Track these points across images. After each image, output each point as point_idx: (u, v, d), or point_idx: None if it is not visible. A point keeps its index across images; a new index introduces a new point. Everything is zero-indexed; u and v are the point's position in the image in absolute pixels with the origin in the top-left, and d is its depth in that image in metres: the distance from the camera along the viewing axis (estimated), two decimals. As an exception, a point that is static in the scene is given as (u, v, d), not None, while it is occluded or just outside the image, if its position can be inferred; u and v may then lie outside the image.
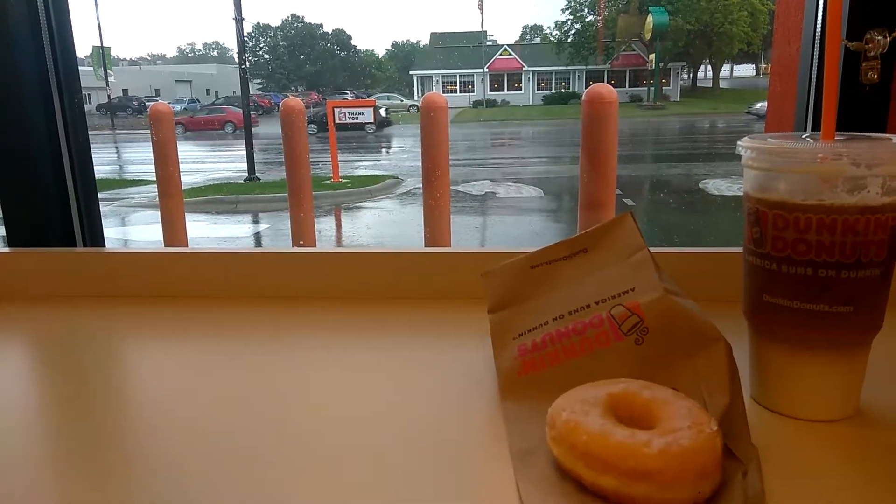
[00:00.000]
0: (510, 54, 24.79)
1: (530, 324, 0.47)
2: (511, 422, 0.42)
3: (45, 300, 0.71)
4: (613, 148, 2.71)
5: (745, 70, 29.28)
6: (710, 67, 24.91)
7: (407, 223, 5.85)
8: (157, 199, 3.60)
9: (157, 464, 0.40)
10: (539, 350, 0.45)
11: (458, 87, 24.56)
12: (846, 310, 0.39)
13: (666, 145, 12.02)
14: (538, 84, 24.69)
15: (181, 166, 3.66)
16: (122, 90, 22.86)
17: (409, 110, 18.86)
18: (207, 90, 27.95)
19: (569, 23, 24.65)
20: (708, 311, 0.43)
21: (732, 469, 0.35)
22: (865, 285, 0.39)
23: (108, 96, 18.51)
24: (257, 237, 5.72)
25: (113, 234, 5.61)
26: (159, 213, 3.63)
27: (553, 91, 24.06)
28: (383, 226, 5.99)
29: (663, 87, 22.24)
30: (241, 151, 7.76)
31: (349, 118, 5.40)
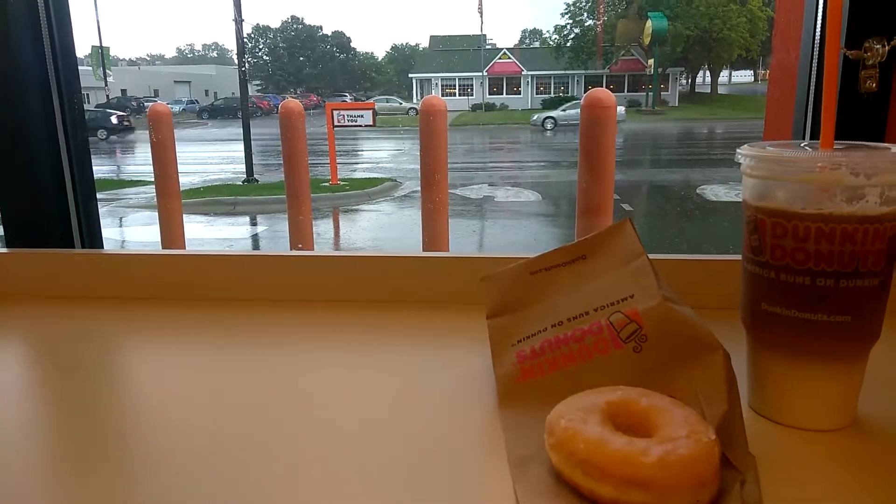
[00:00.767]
0: (509, 58, 24.81)
1: (529, 330, 0.47)
2: (509, 429, 0.42)
3: (42, 301, 0.71)
4: (612, 152, 2.72)
5: (744, 76, 29.37)
6: (708, 73, 24.98)
7: (403, 226, 5.86)
8: (155, 199, 3.60)
9: (155, 465, 0.40)
10: (538, 357, 0.45)
11: (457, 91, 24.57)
12: (844, 319, 0.39)
13: (664, 150, 12.05)
14: (537, 88, 24.70)
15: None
16: (121, 90, 22.85)
17: (407, 113, 18.88)
18: (206, 91, 27.95)
19: (568, 27, 24.71)
20: (706, 318, 0.43)
21: (730, 478, 0.35)
22: (864, 295, 0.39)
23: (107, 96, 18.50)
24: (255, 239, 5.71)
25: (110, 235, 5.60)
26: (157, 214, 3.63)
27: (552, 95, 24.09)
28: (381, 229, 5.99)
29: (662, 93, 22.28)
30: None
31: (348, 120, 5.40)
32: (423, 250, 2.60)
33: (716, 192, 6.93)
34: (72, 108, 0.84)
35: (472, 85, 24.61)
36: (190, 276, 0.70)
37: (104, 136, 12.84)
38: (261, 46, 31.15)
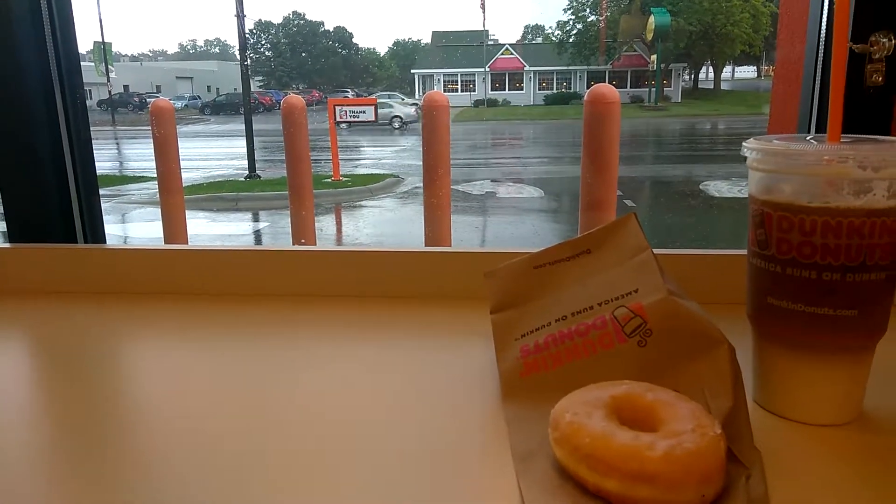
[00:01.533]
0: (512, 54, 24.77)
1: (533, 325, 0.47)
2: (513, 423, 0.42)
3: (45, 296, 0.71)
4: (615, 148, 2.71)
5: (747, 72, 29.29)
6: (711, 69, 24.91)
7: (407, 221, 5.86)
8: (158, 195, 3.60)
9: (156, 461, 0.40)
10: (542, 351, 0.44)
11: (459, 87, 24.53)
12: (851, 313, 0.39)
13: (666, 147, 12.02)
14: (540, 84, 24.66)
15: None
16: (123, 86, 22.86)
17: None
18: (209, 87, 27.95)
19: (571, 23, 24.62)
20: (712, 313, 0.42)
21: (736, 473, 0.35)
22: (870, 289, 0.39)
23: (109, 92, 18.50)
24: (257, 235, 5.72)
25: (113, 230, 5.60)
26: (160, 209, 3.63)
27: (554, 91, 24.05)
28: (384, 224, 5.99)
29: (665, 89, 22.23)
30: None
31: (350, 116, 5.39)
32: (426, 245, 2.60)
33: (719, 188, 6.92)
34: (74, 103, 0.83)
35: (474, 81, 24.57)
36: (192, 270, 0.70)
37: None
38: (263, 42, 31.13)
